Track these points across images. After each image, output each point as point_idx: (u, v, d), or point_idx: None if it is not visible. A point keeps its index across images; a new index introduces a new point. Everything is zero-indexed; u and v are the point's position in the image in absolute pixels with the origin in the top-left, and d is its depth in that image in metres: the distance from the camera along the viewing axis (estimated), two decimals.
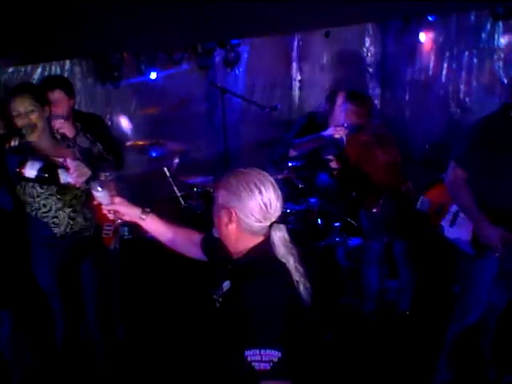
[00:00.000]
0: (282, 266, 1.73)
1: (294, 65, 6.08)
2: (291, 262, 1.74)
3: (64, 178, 2.55)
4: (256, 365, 1.58)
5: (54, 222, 2.81)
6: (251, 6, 2.57)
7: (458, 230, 2.90)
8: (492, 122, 2.83)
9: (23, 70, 4.39)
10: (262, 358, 1.58)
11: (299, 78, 6.11)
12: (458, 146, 2.88)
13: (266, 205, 1.72)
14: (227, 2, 2.49)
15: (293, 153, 4.12)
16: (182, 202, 4.45)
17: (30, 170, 2.52)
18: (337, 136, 3.97)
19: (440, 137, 4.90)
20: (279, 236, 1.74)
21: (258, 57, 5.65)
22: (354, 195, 3.99)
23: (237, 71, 5.52)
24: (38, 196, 2.76)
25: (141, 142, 4.36)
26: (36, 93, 2.79)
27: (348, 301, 3.98)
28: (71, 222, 2.85)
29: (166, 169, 4.40)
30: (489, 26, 4.52)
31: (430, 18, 4.82)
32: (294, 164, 4.11)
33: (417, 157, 5.08)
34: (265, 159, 4.49)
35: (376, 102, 5.67)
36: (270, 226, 1.74)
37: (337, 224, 4.14)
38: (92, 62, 4.70)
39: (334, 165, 4.02)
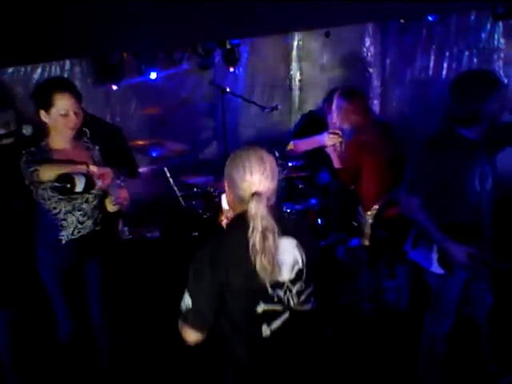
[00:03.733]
0: (241, 235, 1.86)
1: (294, 65, 6.08)
2: (258, 235, 1.83)
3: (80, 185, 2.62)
4: (181, 304, 1.92)
5: (61, 225, 2.77)
6: (251, 5, 2.57)
7: (422, 252, 2.83)
8: (438, 143, 2.76)
9: (23, 69, 4.39)
10: (184, 300, 1.91)
11: (299, 77, 6.12)
12: (407, 173, 2.80)
13: (246, 177, 1.91)
14: (227, 2, 2.49)
15: (290, 152, 4.11)
16: (182, 202, 4.45)
17: (80, 185, 2.58)
18: (329, 143, 3.93)
19: None
20: (252, 207, 1.87)
21: (257, 57, 5.66)
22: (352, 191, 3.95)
23: (237, 71, 5.52)
24: (49, 199, 2.73)
25: (141, 142, 4.35)
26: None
27: (347, 300, 3.98)
28: (79, 226, 2.81)
29: (166, 169, 4.40)
30: (489, 26, 4.52)
31: (430, 18, 4.82)
32: (294, 164, 4.11)
33: None
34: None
35: (376, 102, 5.67)
36: (251, 196, 1.89)
37: (337, 224, 4.14)
38: (92, 62, 4.70)
39: (336, 164, 3.95)
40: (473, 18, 4.61)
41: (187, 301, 1.89)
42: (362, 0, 2.76)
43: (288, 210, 4.17)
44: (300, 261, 1.94)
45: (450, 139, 2.73)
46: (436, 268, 2.79)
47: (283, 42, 5.96)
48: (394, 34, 5.35)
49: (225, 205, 2.23)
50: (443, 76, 4.91)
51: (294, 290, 1.93)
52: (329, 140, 3.87)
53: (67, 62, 4.60)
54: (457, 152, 2.68)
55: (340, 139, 3.84)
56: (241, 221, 1.90)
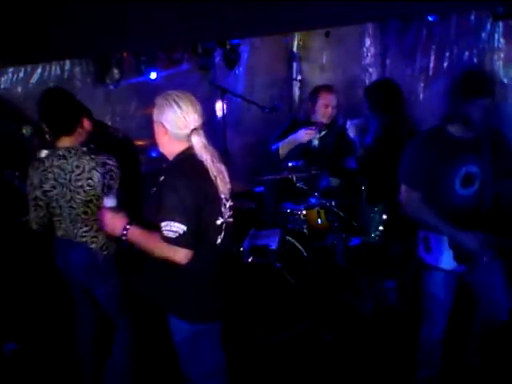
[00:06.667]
0: (199, 164, 2.26)
1: (294, 65, 6.08)
2: (208, 160, 2.26)
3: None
4: (165, 232, 2.17)
5: None
6: (251, 5, 2.57)
7: (437, 253, 2.78)
8: (426, 139, 2.77)
9: (23, 69, 4.39)
10: (171, 228, 2.16)
11: (299, 77, 6.12)
12: (403, 167, 2.78)
13: (184, 116, 2.24)
14: (227, 2, 2.49)
15: (280, 153, 4.15)
16: None
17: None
18: (306, 139, 4.00)
19: None
20: (197, 140, 2.26)
21: (258, 57, 5.66)
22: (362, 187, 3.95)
23: (237, 71, 5.52)
24: None
25: (141, 142, 4.36)
26: None
27: (347, 300, 3.98)
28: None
29: None
30: (489, 26, 4.51)
31: (429, 18, 4.82)
32: (294, 164, 4.11)
33: None
34: (265, 159, 4.48)
35: None
36: (191, 132, 2.25)
37: (337, 224, 4.13)
38: (92, 62, 4.70)
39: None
40: (473, 17, 4.60)
41: (178, 226, 2.15)
42: (362, 0, 2.77)
43: (288, 211, 4.17)
44: (228, 181, 2.40)
45: (437, 137, 2.71)
46: (455, 265, 2.73)
47: (283, 42, 5.96)
48: (393, 34, 5.34)
49: (109, 203, 2.37)
50: (443, 76, 4.90)
51: (227, 205, 2.37)
52: (306, 136, 4.00)
53: (67, 62, 4.60)
54: (441, 150, 2.66)
55: (316, 134, 4.01)
56: (186, 156, 2.27)
